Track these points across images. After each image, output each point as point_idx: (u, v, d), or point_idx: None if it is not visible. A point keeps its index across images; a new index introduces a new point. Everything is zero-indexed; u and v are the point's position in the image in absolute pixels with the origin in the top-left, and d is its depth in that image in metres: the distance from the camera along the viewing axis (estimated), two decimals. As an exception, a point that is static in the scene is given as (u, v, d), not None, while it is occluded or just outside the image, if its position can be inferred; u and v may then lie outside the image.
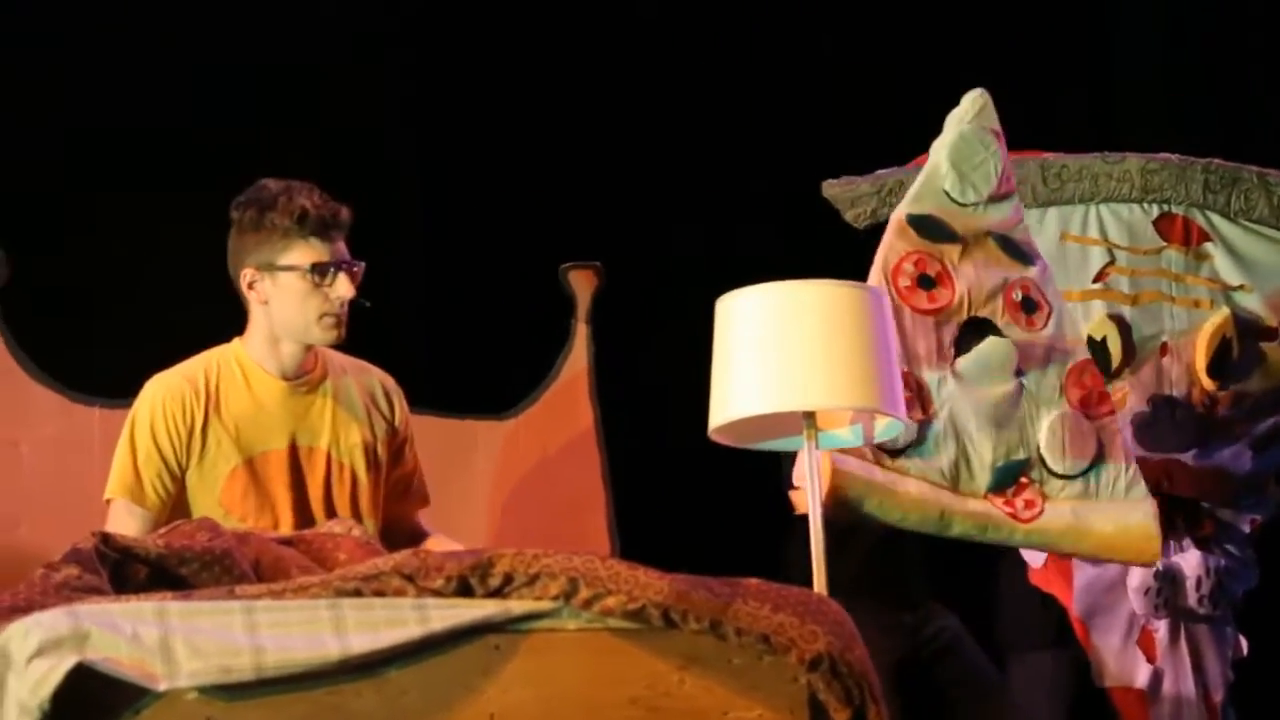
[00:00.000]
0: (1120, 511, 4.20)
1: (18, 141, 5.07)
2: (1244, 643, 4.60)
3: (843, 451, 4.02)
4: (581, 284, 4.87)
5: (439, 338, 5.14)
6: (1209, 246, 4.72)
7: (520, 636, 3.00)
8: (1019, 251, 4.32)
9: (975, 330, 4.26)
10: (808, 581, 3.63)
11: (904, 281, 4.21)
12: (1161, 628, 4.47)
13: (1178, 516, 4.54)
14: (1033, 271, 4.33)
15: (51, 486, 4.50)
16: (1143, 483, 4.24)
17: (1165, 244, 4.70)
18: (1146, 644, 4.48)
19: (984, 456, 4.16)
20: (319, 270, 3.97)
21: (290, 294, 3.98)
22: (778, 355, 3.76)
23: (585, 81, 5.56)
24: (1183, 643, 4.49)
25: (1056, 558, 4.51)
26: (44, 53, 5.15)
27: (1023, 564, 4.59)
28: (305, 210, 3.95)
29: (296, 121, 5.24)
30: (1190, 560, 4.48)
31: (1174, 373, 4.63)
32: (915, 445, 4.13)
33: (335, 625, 2.97)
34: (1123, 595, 4.46)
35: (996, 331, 4.25)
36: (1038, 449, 4.21)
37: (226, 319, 4.11)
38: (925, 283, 4.26)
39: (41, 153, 5.11)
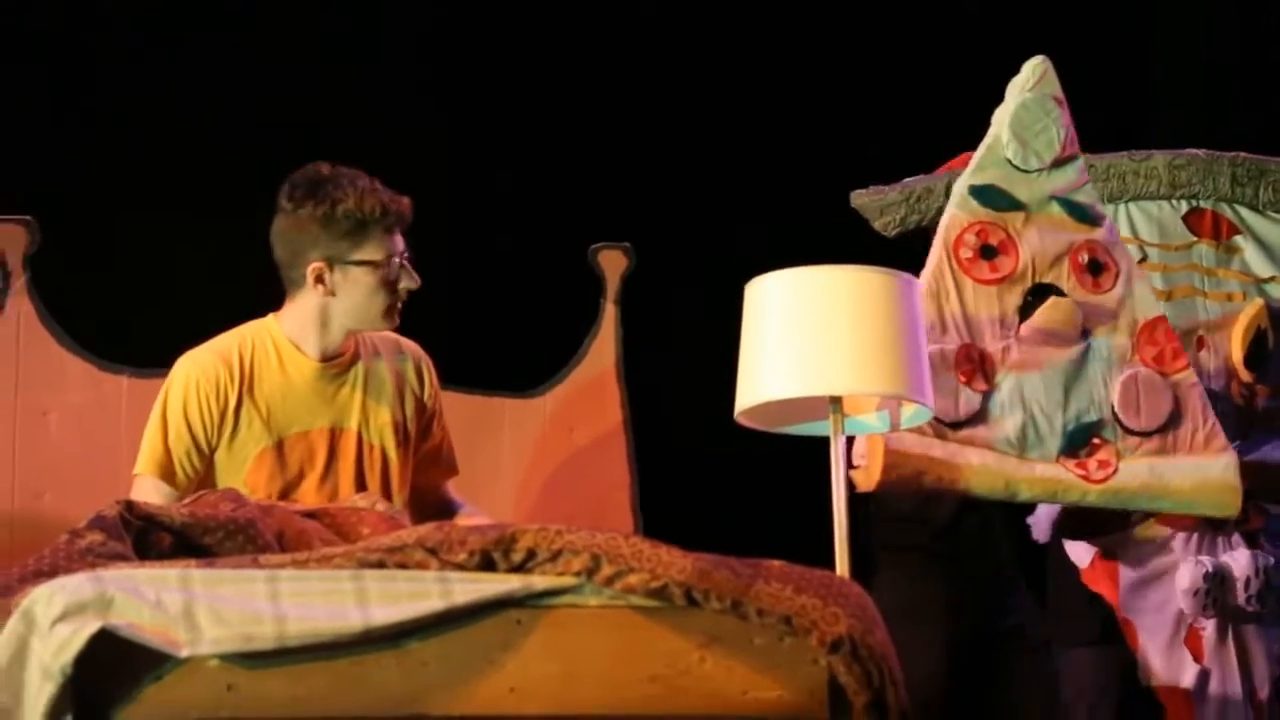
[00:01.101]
0: (1199, 466, 4.23)
1: (49, 108, 5.08)
2: None
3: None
4: (611, 265, 4.87)
5: (469, 316, 5.14)
6: (1239, 240, 4.72)
7: (542, 612, 3.01)
8: (1084, 213, 4.35)
9: (1040, 295, 4.29)
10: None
11: (965, 253, 4.24)
12: (1209, 627, 4.46)
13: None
14: (1099, 233, 4.36)
15: (78, 455, 4.52)
16: (1223, 435, 4.28)
17: (1196, 239, 4.70)
18: (1194, 644, 4.46)
19: (1053, 420, 4.20)
20: (390, 265, 4.00)
21: (361, 287, 4.00)
22: (806, 339, 3.76)
23: (622, 63, 5.56)
24: (1230, 642, 4.48)
25: (1103, 558, 4.51)
26: (78, 19, 5.17)
27: (1070, 562, 4.58)
28: (381, 207, 3.98)
29: (326, 96, 5.25)
30: (1240, 560, 4.47)
31: (1211, 366, 4.63)
32: (977, 416, 4.16)
33: (358, 596, 2.98)
34: (1170, 595, 4.45)
35: (1061, 295, 4.28)
36: (1112, 408, 4.24)
37: (258, 292, 4.11)
38: (987, 253, 4.29)
39: (73, 121, 5.12)
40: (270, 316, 4.11)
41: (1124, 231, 4.67)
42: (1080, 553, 4.57)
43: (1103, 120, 5.34)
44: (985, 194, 4.32)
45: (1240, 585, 4.45)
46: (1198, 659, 4.45)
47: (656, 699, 2.97)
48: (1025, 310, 4.28)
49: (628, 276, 4.87)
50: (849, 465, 4.13)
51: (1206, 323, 4.64)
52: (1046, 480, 4.18)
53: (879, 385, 3.76)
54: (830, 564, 3.65)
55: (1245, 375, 4.60)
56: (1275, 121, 5.68)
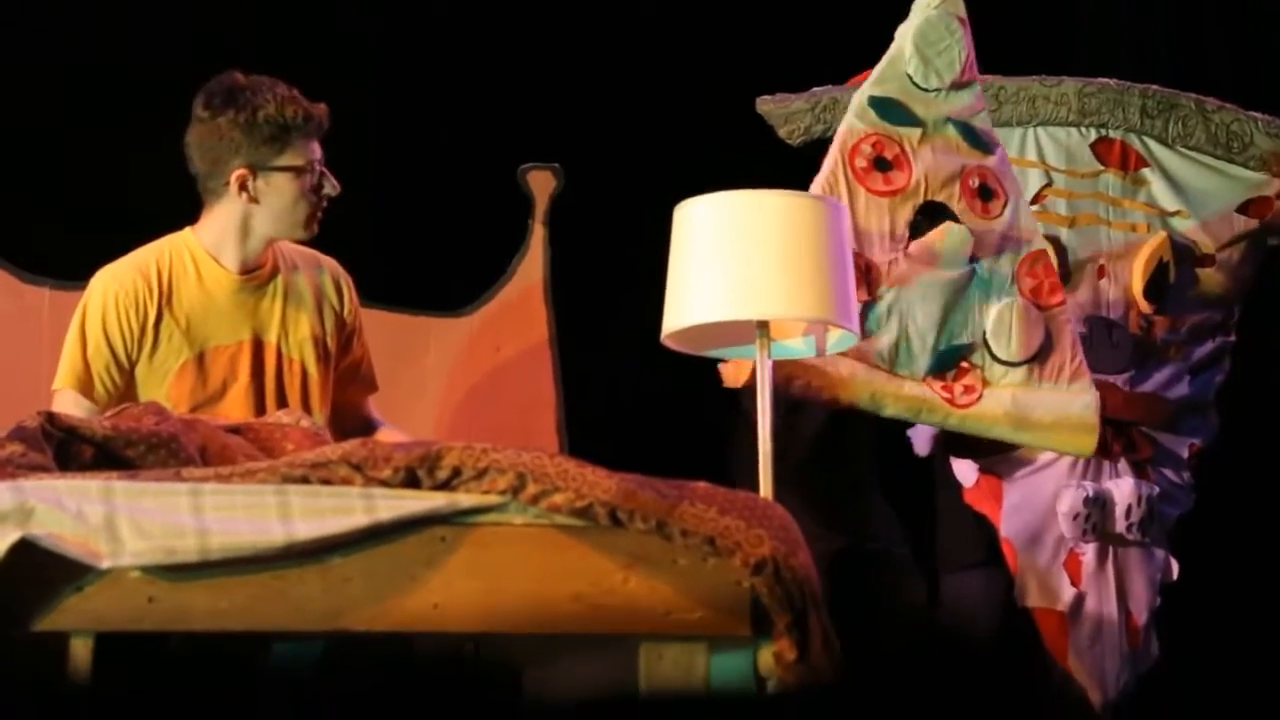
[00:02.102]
0: (1061, 401, 4.26)
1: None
2: (1175, 566, 4.64)
3: None
4: (540, 185, 4.86)
5: (397, 235, 5.11)
6: (1146, 172, 4.74)
7: (466, 529, 3.00)
8: (979, 139, 4.36)
9: (930, 214, 4.29)
10: (754, 476, 3.65)
11: (860, 162, 4.24)
12: (1089, 552, 4.51)
13: (1114, 440, 4.57)
14: (991, 160, 4.37)
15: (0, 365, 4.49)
16: (1088, 376, 4.30)
17: (1103, 168, 4.72)
18: (1073, 568, 4.51)
19: (926, 339, 4.21)
20: (312, 171, 3.98)
21: (285, 194, 3.99)
22: (734, 263, 3.76)
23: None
24: (1109, 567, 4.52)
25: (988, 478, 4.54)
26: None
27: (954, 482, 4.61)
28: (303, 112, 3.98)
29: (250, 9, 5.18)
30: (1123, 487, 4.51)
31: (1111, 295, 4.65)
32: None
33: (281, 511, 2.97)
34: (1051, 518, 4.49)
35: (953, 217, 4.28)
36: (984, 335, 4.26)
37: (177, 203, 4.07)
38: (881, 165, 4.28)
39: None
40: (187, 230, 4.08)
41: (1031, 156, 4.69)
42: (965, 471, 4.58)
43: (1025, 45, 5.36)
44: (884, 107, 4.31)
45: (1121, 512, 4.49)
46: (1075, 583, 4.50)
47: (580, 618, 2.98)
48: (915, 228, 4.28)
49: (556, 197, 4.86)
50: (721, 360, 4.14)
51: (1109, 252, 4.67)
52: (911, 398, 4.20)
53: (806, 310, 3.77)
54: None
55: (1145, 306, 4.64)
56: (1199, 58, 5.69)
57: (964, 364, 4.27)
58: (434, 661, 3.09)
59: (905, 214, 4.29)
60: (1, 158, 4.84)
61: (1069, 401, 4.27)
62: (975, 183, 4.34)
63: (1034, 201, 4.64)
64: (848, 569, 4.46)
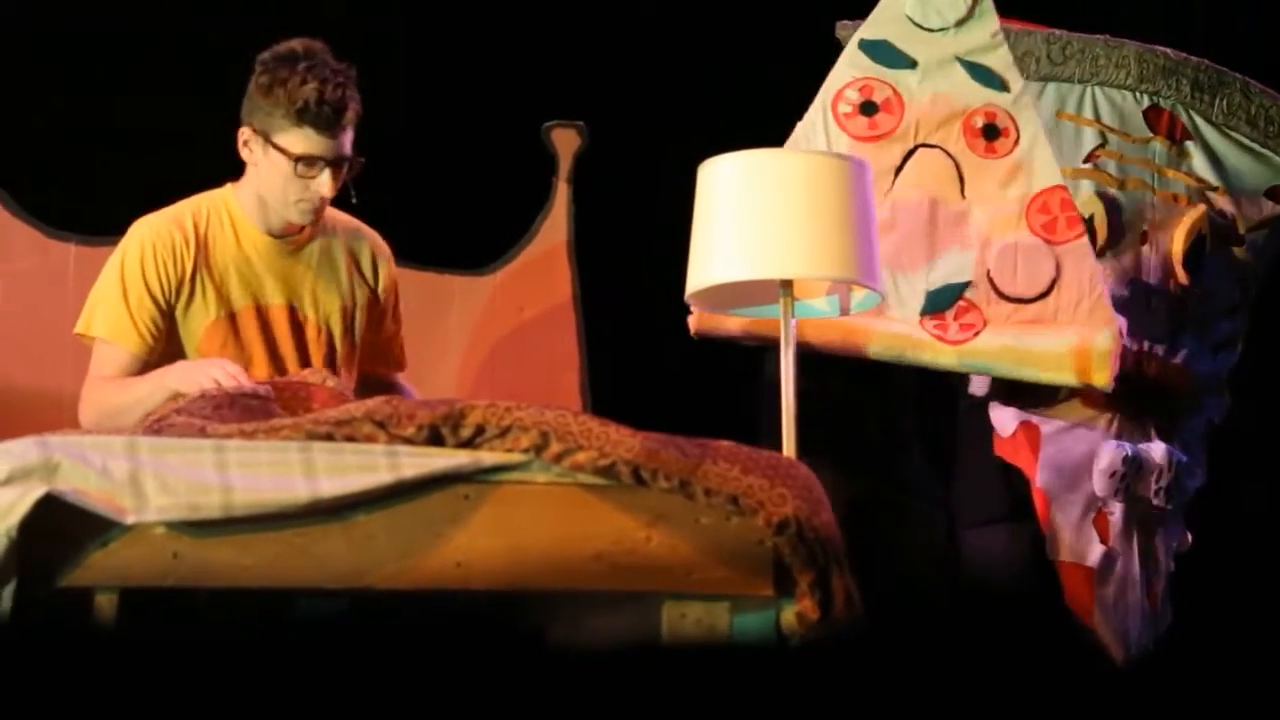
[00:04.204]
0: (1078, 332, 4.24)
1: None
2: (1189, 537, 4.65)
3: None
4: (564, 143, 4.85)
5: (421, 193, 5.10)
6: (1190, 145, 4.74)
7: (490, 487, 3.02)
8: (990, 77, 4.31)
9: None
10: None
11: (844, 108, 4.21)
12: (1117, 511, 4.51)
13: (1149, 406, 4.57)
14: (1005, 98, 4.32)
15: (24, 322, 4.49)
16: (1109, 308, 4.27)
17: (1152, 135, 4.71)
18: (1101, 525, 4.51)
19: (914, 281, 4.18)
20: (306, 162, 3.90)
21: (274, 171, 3.93)
22: (758, 222, 3.76)
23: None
24: (1135, 531, 4.53)
25: (1028, 427, 4.53)
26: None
27: (986, 435, 4.60)
28: (308, 103, 3.86)
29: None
30: (1157, 451, 4.51)
31: (1153, 262, 4.64)
32: None
33: (305, 468, 2.98)
34: (1086, 475, 4.49)
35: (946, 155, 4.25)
36: (987, 273, 4.23)
37: (214, 161, 4.06)
38: (868, 109, 4.26)
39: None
40: (228, 186, 4.06)
41: (1088, 114, 4.67)
42: (1005, 420, 4.56)
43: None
44: (878, 49, 4.28)
45: (1154, 476, 4.49)
46: (1104, 540, 4.50)
47: (602, 576, 2.99)
48: (899, 170, 4.25)
49: (581, 155, 4.85)
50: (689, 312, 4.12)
51: (1152, 220, 4.66)
52: (896, 336, 4.17)
53: (829, 269, 3.77)
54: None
55: (1182, 276, 4.63)
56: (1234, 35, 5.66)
57: (962, 301, 4.24)
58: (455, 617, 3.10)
59: (892, 157, 4.26)
60: (29, 114, 4.83)
61: (1086, 333, 4.25)
62: (980, 122, 4.30)
63: (1087, 159, 4.63)
64: (862, 517, 4.46)
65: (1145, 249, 4.65)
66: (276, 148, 3.90)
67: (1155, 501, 4.51)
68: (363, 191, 4.06)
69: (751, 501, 2.99)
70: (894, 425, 4.63)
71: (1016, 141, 4.31)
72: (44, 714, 2.35)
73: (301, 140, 3.89)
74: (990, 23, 4.33)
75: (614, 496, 3.02)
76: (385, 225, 4.26)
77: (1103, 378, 4.25)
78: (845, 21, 4.62)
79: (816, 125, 4.26)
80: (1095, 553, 4.49)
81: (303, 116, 3.87)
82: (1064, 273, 4.27)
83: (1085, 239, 4.34)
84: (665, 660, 2.88)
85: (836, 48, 4.59)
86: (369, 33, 5.08)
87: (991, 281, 4.24)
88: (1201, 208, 4.67)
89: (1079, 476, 4.50)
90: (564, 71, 5.17)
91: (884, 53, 4.27)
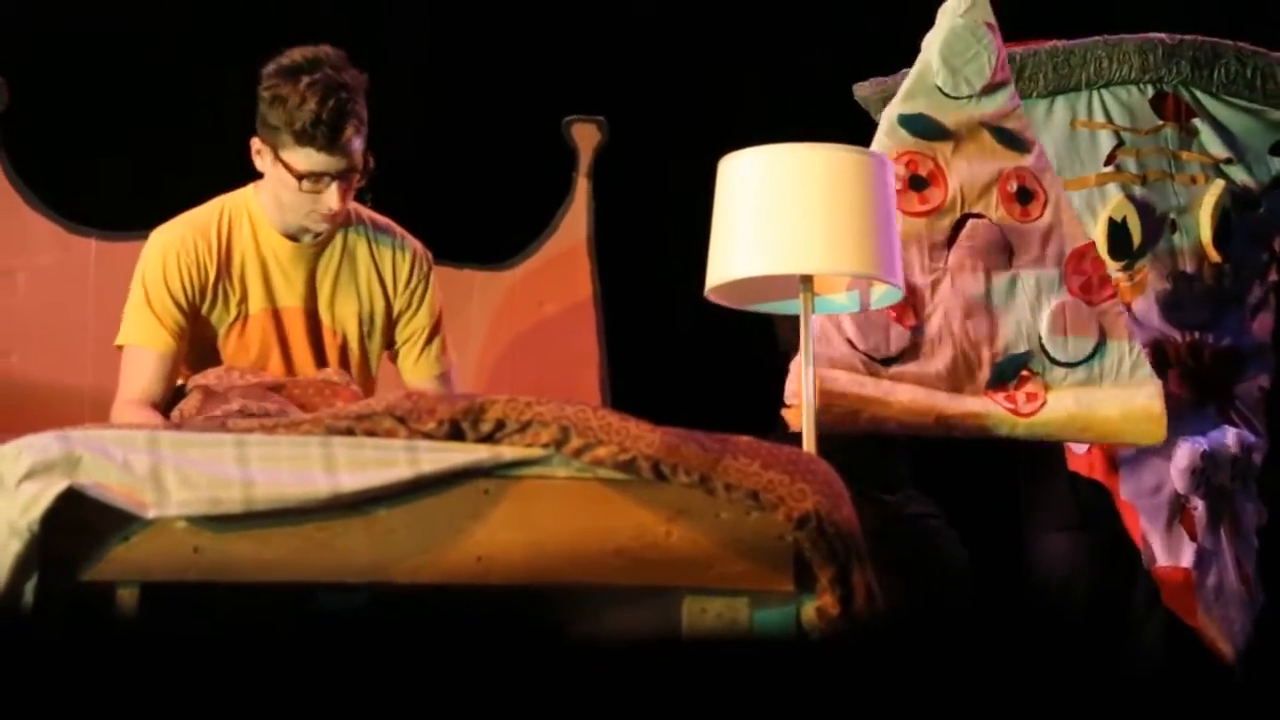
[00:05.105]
0: (1126, 394, 4.25)
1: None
2: (1265, 511, 4.65)
3: (833, 367, 4.06)
4: (585, 138, 4.85)
5: (439, 186, 5.10)
6: (1196, 122, 4.73)
7: (510, 482, 3.02)
8: (1015, 140, 4.33)
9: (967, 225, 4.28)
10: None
11: (894, 185, 4.22)
12: (1200, 506, 4.51)
13: (1209, 394, 4.57)
14: (1028, 160, 4.34)
15: (45, 317, 4.50)
16: (1148, 365, 4.29)
17: (1162, 122, 4.71)
18: (1188, 523, 4.51)
19: (981, 353, 4.20)
20: (311, 178, 3.88)
21: (281, 185, 3.91)
22: (778, 217, 3.75)
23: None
24: (1221, 520, 4.54)
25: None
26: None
27: (1055, 448, 4.59)
28: (305, 126, 3.81)
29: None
30: (1229, 437, 4.51)
31: (1186, 248, 4.65)
32: (908, 352, 4.16)
33: (326, 463, 2.98)
34: (1164, 475, 4.48)
35: (992, 224, 4.27)
36: (1039, 339, 4.24)
37: (237, 158, 4.05)
38: (917, 184, 4.27)
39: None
40: (250, 187, 4.05)
41: (1099, 118, 4.67)
42: None
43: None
44: (915, 123, 4.28)
45: (1230, 463, 4.49)
46: (1193, 537, 4.50)
47: (622, 571, 2.99)
48: (951, 242, 4.26)
49: (601, 150, 4.85)
50: (782, 404, 4.15)
51: (1176, 206, 4.66)
52: (976, 414, 4.17)
53: (850, 265, 3.76)
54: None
55: (1215, 256, 4.63)
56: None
57: (1024, 372, 4.25)
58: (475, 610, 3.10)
59: (943, 230, 4.27)
60: (50, 109, 4.84)
61: (1133, 393, 4.26)
62: (1013, 186, 4.31)
63: (1107, 162, 4.64)
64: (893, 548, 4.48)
65: (1176, 237, 4.65)
66: (283, 163, 3.89)
67: (1231, 486, 4.51)
68: (383, 187, 4.06)
69: (772, 496, 2.99)
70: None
71: (1046, 203, 4.32)
72: (66, 707, 2.35)
73: (304, 158, 3.86)
74: (1010, 88, 4.35)
75: (634, 491, 3.02)
76: (406, 220, 4.25)
77: (1157, 435, 4.27)
78: (863, 83, 4.63)
79: None
80: (1189, 553, 4.49)
81: (301, 138, 3.84)
82: (1106, 333, 4.29)
83: (1118, 299, 4.35)
84: (683, 655, 2.89)
85: (859, 40, 4.60)
86: (391, 26, 5.10)
87: (1044, 348, 4.25)
88: (1220, 183, 4.67)
89: (1160, 480, 4.50)
90: (585, 66, 5.17)
91: (921, 125, 4.28)
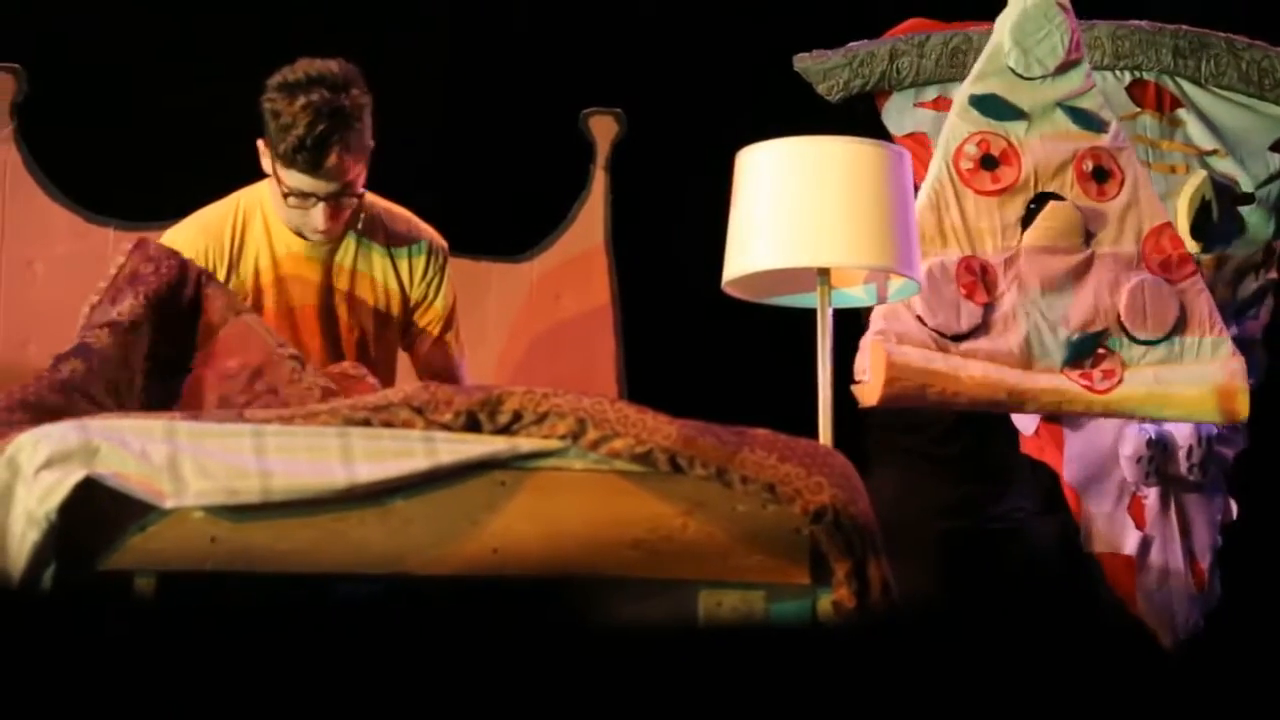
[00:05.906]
0: (1207, 371, 4.26)
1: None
2: (1234, 507, 4.64)
3: (902, 343, 4.08)
4: (602, 130, 4.85)
5: (458, 180, 5.10)
6: (1181, 113, 4.73)
7: (526, 474, 3.02)
8: (1090, 120, 4.36)
9: (1042, 204, 4.29)
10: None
11: (966, 164, 4.23)
12: (1151, 495, 4.51)
13: None
14: (1104, 139, 4.36)
15: (63, 306, 4.49)
16: (1230, 343, 4.30)
17: (1139, 110, 4.70)
18: (1136, 511, 4.51)
19: (1057, 332, 4.21)
20: (297, 196, 3.91)
21: (277, 193, 3.95)
22: (795, 210, 3.75)
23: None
24: (1172, 510, 4.53)
25: (1049, 425, 4.54)
26: None
27: (1012, 433, 4.60)
28: (288, 150, 3.84)
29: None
30: (1182, 429, 4.51)
31: None
32: (979, 329, 4.18)
33: (343, 453, 2.98)
34: (1113, 463, 4.49)
35: (1060, 200, 4.28)
36: (1118, 318, 4.25)
37: (250, 148, 4.06)
38: (988, 163, 4.28)
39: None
40: (266, 181, 4.06)
41: None
42: (1026, 420, 4.58)
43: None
44: (986, 103, 4.31)
45: (1183, 454, 4.49)
46: (1139, 526, 4.50)
47: (639, 563, 2.99)
48: (1027, 220, 4.29)
49: (619, 143, 4.85)
50: (851, 380, 4.17)
51: None
52: (1051, 391, 4.20)
53: (867, 258, 3.76)
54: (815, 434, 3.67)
55: (1192, 246, 4.62)
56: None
57: (1101, 350, 4.26)
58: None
59: (1016, 209, 4.29)
60: (67, 98, 4.84)
61: (1215, 371, 4.27)
62: (1089, 166, 4.33)
63: None
64: (970, 549, 4.50)
65: None
66: (276, 175, 3.91)
67: (1190, 478, 4.51)
68: (404, 177, 4.06)
69: (788, 489, 2.99)
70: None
71: (1123, 182, 4.33)
72: (83, 696, 2.35)
73: (292, 177, 3.90)
74: (1085, 66, 4.36)
75: (651, 484, 3.02)
76: (423, 212, 4.26)
77: (1240, 414, 4.30)
78: (804, 54, 4.62)
79: (944, 183, 4.28)
80: (1132, 540, 4.49)
81: (285, 159, 3.87)
82: (1185, 311, 4.29)
83: (1199, 275, 4.36)
84: (699, 647, 2.89)
85: (880, 34, 4.60)
86: (411, 19, 5.10)
87: (1123, 326, 4.26)
88: (1202, 173, 4.66)
89: (1107, 465, 4.50)
90: (602, 59, 5.17)
91: (994, 106, 4.30)
